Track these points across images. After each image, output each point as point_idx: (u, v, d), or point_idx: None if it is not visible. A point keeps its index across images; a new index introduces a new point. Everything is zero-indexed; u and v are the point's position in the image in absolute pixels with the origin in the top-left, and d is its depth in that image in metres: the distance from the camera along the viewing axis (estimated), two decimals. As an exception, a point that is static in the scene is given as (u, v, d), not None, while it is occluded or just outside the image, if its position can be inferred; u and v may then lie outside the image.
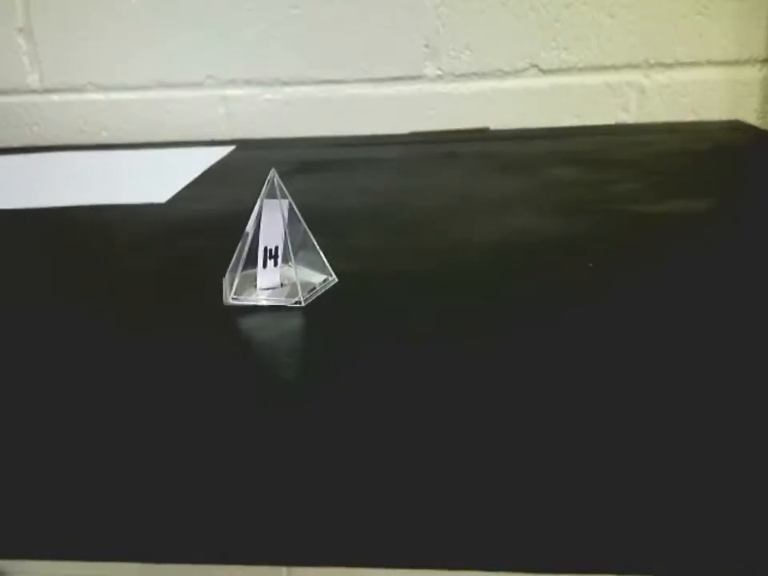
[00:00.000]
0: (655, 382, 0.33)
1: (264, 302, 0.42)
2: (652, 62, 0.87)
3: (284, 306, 0.42)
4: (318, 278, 0.45)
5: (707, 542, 0.24)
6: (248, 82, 0.93)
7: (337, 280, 0.45)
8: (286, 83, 0.92)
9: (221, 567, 0.29)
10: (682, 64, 0.87)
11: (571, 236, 0.52)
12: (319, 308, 0.42)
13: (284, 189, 0.43)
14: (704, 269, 0.45)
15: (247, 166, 0.80)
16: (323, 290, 0.44)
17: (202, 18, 0.91)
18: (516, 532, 0.25)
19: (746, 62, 0.86)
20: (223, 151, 0.86)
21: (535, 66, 0.89)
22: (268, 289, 0.43)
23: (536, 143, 0.83)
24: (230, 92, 0.93)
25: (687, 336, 0.37)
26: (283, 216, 0.42)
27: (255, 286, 0.43)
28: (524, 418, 0.31)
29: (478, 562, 0.25)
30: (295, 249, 0.43)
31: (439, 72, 0.90)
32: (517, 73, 0.89)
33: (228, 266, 0.44)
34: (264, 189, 0.42)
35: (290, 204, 0.43)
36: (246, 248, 0.43)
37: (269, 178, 0.42)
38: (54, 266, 0.52)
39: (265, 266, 0.43)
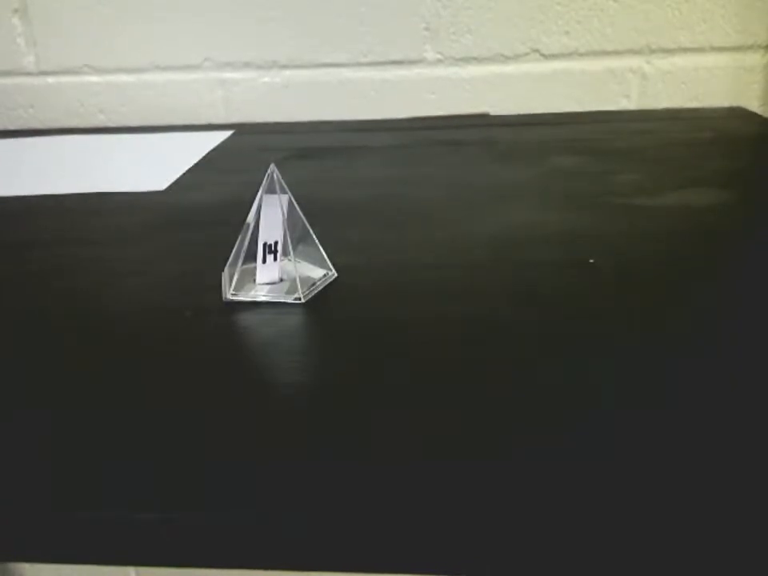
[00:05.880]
0: (656, 383, 0.33)
1: (263, 299, 0.42)
2: (654, 47, 0.86)
3: (284, 302, 0.42)
4: (317, 272, 0.44)
5: None
6: (246, 65, 0.92)
7: (336, 275, 0.45)
8: (284, 66, 0.91)
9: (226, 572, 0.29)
10: (685, 50, 0.86)
11: (572, 229, 0.52)
12: (319, 304, 0.42)
13: (283, 184, 0.42)
14: (707, 262, 0.45)
15: (246, 151, 0.80)
16: (323, 285, 0.44)
17: (199, 0, 0.89)
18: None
19: (749, 48, 0.85)
20: (222, 136, 0.86)
21: (536, 50, 0.88)
22: (267, 284, 0.43)
23: (536, 130, 0.83)
24: (228, 75, 0.92)
25: (686, 334, 0.37)
26: (283, 211, 0.42)
27: (255, 281, 0.43)
28: (520, 413, 0.31)
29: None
30: (295, 243, 0.43)
31: (439, 56, 0.89)
32: (518, 57, 0.88)
33: (227, 260, 0.44)
34: (263, 184, 0.42)
35: (290, 199, 0.43)
36: (246, 242, 0.43)
37: (268, 172, 0.42)
38: (48, 258, 0.52)
39: (264, 261, 0.43)
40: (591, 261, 0.46)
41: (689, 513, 0.25)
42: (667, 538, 0.25)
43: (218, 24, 0.90)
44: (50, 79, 0.94)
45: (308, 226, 0.43)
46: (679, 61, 0.86)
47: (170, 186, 0.67)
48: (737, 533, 0.25)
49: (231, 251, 0.43)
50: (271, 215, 0.42)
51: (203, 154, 0.78)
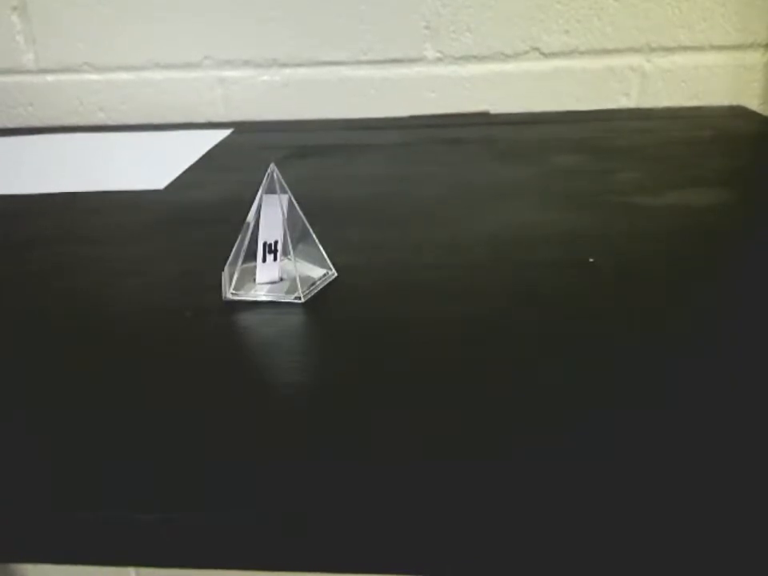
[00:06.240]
0: (654, 384, 0.33)
1: (263, 298, 0.42)
2: (654, 45, 0.86)
3: (284, 302, 0.42)
4: (317, 272, 0.44)
5: None
6: (246, 63, 0.92)
7: (336, 274, 0.45)
8: (284, 65, 0.91)
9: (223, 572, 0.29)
10: (685, 48, 0.86)
11: (572, 229, 0.52)
12: (319, 303, 0.42)
13: (283, 183, 0.42)
14: (707, 262, 0.45)
15: (246, 150, 0.80)
16: (323, 285, 0.44)
17: (199, -2, 0.89)
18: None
19: (749, 46, 0.85)
20: (221, 134, 0.86)
21: (536, 49, 0.88)
22: (267, 284, 0.43)
23: (536, 128, 0.83)
24: (228, 73, 0.92)
25: (686, 334, 0.37)
26: (283, 211, 0.42)
27: (255, 281, 0.43)
28: (520, 413, 0.31)
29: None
30: (294, 243, 0.43)
31: (439, 54, 0.89)
32: (518, 56, 0.88)
33: (227, 259, 0.43)
34: (263, 183, 0.42)
35: (290, 198, 0.43)
36: (246, 241, 0.43)
37: (268, 172, 0.42)
38: (48, 257, 0.52)
39: (264, 260, 0.43)
40: (591, 261, 0.46)
41: (689, 513, 0.25)
42: (667, 538, 0.25)
43: (218, 22, 0.90)
44: (50, 77, 0.94)
45: (308, 225, 0.43)
46: (679, 59, 0.86)
47: (170, 185, 0.67)
48: (737, 533, 0.25)
49: (231, 250, 0.43)
50: (271, 215, 0.42)
51: (203, 152, 0.78)
